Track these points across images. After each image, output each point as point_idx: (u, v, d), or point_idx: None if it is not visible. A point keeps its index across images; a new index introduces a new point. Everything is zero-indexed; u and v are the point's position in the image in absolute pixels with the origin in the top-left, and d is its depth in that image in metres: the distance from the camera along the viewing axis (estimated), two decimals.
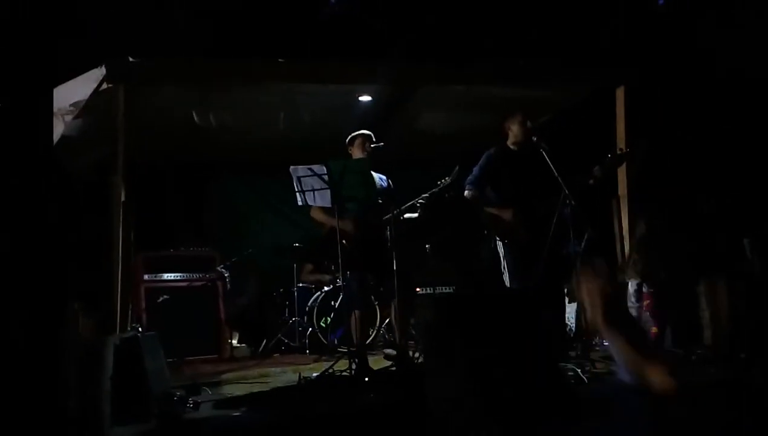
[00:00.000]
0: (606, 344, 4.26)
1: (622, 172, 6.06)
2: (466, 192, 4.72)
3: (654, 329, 4.49)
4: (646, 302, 4.54)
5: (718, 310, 4.79)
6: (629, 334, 1.50)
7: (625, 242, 6.11)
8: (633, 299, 4.82)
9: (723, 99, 6.03)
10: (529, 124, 4.75)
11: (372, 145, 4.74)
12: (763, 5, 5.64)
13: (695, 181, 5.74)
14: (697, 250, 4.79)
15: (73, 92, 5.03)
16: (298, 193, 4.42)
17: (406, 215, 4.69)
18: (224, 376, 4.90)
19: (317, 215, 4.74)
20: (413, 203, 4.71)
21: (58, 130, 5.11)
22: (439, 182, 4.67)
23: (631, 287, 4.66)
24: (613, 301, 1.56)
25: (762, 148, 5.73)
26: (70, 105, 5.13)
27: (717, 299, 4.88)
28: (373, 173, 4.70)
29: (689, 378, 3.86)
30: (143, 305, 5.87)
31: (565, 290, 5.56)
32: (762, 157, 5.68)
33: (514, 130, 4.75)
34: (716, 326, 4.76)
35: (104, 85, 4.96)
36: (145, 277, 6.02)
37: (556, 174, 4.37)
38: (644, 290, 4.70)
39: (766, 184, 5.55)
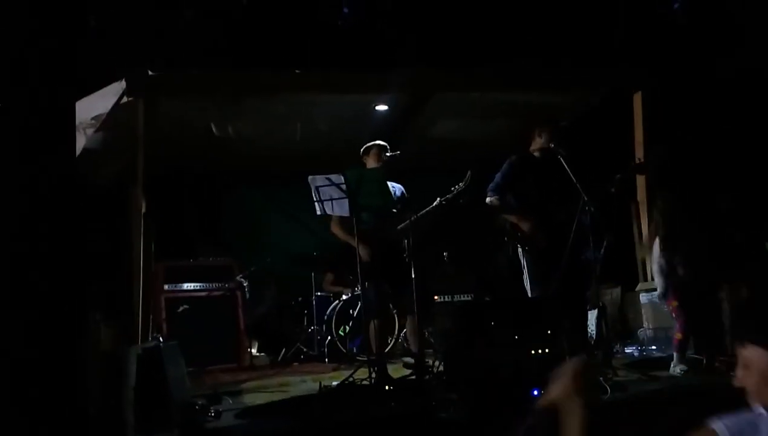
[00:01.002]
0: None
1: (640, 178, 6.03)
2: (487, 199, 4.71)
3: (678, 335, 4.43)
4: (672, 305, 4.48)
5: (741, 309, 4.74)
6: None
7: (644, 248, 6.07)
8: (659, 300, 4.76)
9: (738, 100, 5.98)
10: (548, 134, 4.73)
11: (387, 155, 4.75)
12: None
13: (714, 183, 5.69)
14: (719, 253, 4.73)
15: (94, 106, 5.11)
16: (316, 203, 4.44)
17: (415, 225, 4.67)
18: (244, 385, 4.92)
19: (337, 231, 4.77)
20: (429, 209, 4.70)
21: (80, 143, 5.18)
22: (453, 188, 4.67)
23: (659, 287, 4.59)
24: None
25: None
26: (92, 118, 5.21)
27: (738, 302, 4.83)
28: (388, 182, 4.71)
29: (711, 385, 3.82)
30: (163, 314, 5.91)
31: (586, 297, 5.52)
32: None
33: (543, 138, 4.72)
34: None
35: (124, 99, 5.03)
36: (165, 287, 6.07)
37: (574, 180, 4.36)
38: (670, 292, 4.62)
39: None
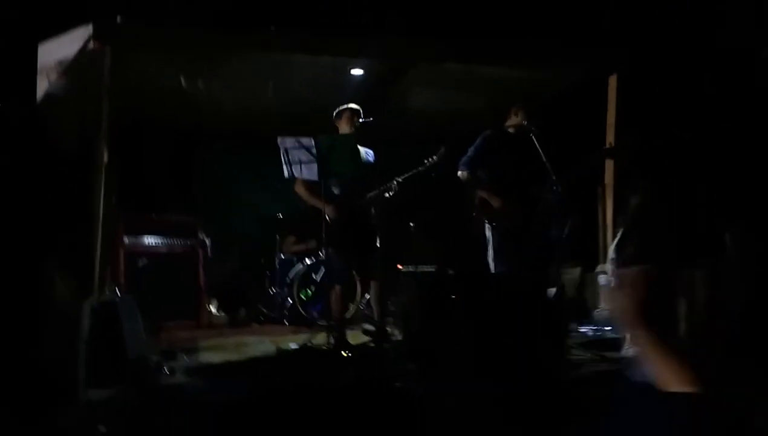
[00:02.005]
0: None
1: (609, 161, 6.09)
2: (459, 172, 4.71)
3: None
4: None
5: (695, 302, 4.84)
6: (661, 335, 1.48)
7: (608, 231, 6.15)
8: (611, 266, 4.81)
9: (716, 85, 6.02)
10: (524, 113, 4.74)
11: (360, 120, 4.70)
12: None
13: (683, 170, 5.76)
14: (680, 241, 4.80)
15: (58, 50, 4.92)
16: (285, 165, 4.39)
17: (384, 196, 4.65)
18: (201, 343, 4.89)
19: (301, 191, 4.70)
20: (392, 183, 4.67)
21: (43, 87, 5.01)
22: (425, 161, 4.65)
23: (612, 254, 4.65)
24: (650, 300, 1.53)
25: (753, 139, 5.74)
26: (55, 62, 5.02)
27: (695, 291, 4.93)
28: (360, 148, 4.66)
29: None
30: (122, 267, 5.82)
31: (547, 275, 5.59)
32: (753, 148, 5.70)
33: (519, 116, 4.72)
34: (691, 318, 4.80)
35: (91, 45, 4.85)
36: (126, 240, 5.96)
37: (545, 160, 4.37)
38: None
39: (755, 177, 5.58)
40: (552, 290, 5.77)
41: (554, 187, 4.38)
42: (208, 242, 6.36)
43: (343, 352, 4.10)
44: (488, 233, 4.78)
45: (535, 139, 4.47)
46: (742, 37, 5.72)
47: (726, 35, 5.75)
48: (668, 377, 1.40)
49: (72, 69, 5.15)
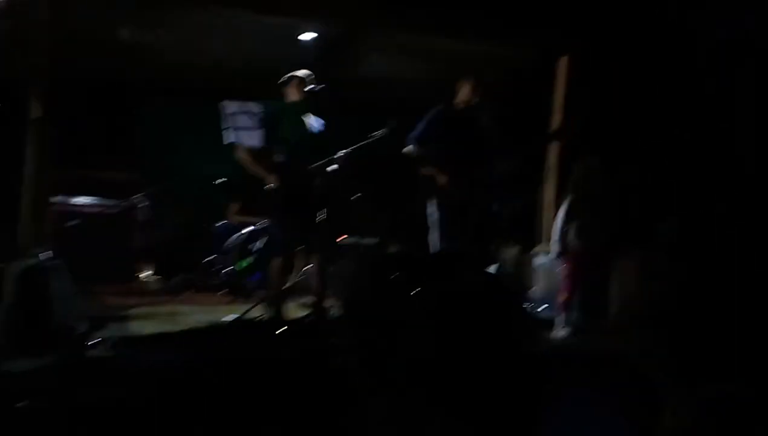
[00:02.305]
0: None
1: (553, 143, 6.15)
2: (407, 147, 4.67)
3: (564, 295, 4.60)
4: (563, 266, 4.63)
5: (626, 285, 4.97)
6: None
7: (548, 211, 6.25)
8: (555, 247, 4.87)
9: (664, 69, 6.11)
10: (476, 89, 4.72)
11: (309, 88, 4.58)
12: None
13: (624, 154, 5.86)
14: (615, 224, 4.91)
15: None
16: (227, 130, 4.25)
17: (329, 168, 4.56)
18: (133, 311, 4.74)
19: (244, 157, 4.56)
20: (338, 155, 4.59)
21: None
22: (372, 134, 4.58)
23: (554, 248, 4.71)
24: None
25: (702, 127, 5.86)
26: None
27: (626, 274, 5.06)
28: (308, 117, 4.55)
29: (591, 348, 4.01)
30: (52, 227, 5.57)
31: (487, 253, 5.64)
32: (700, 137, 5.83)
33: (469, 92, 4.71)
34: (621, 301, 4.94)
35: None
36: (57, 199, 5.71)
37: (494, 138, 4.38)
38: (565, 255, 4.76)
39: (693, 165, 5.72)
40: (493, 267, 5.87)
41: (501, 166, 4.41)
42: (146, 203, 6.16)
43: (279, 326, 4.04)
44: (432, 209, 4.78)
45: (486, 118, 4.46)
46: (691, 21, 5.82)
47: (675, 18, 5.84)
48: None
49: (4, 14, 4.85)
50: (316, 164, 4.52)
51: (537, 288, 5.95)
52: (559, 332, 4.50)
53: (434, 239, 4.73)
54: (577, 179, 4.74)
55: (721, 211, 5.43)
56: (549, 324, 4.76)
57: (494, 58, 6.35)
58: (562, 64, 6.15)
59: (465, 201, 4.60)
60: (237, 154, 4.60)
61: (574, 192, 4.67)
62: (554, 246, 4.70)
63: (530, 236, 6.42)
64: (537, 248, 6.29)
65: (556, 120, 5.82)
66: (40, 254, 4.37)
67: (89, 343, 3.49)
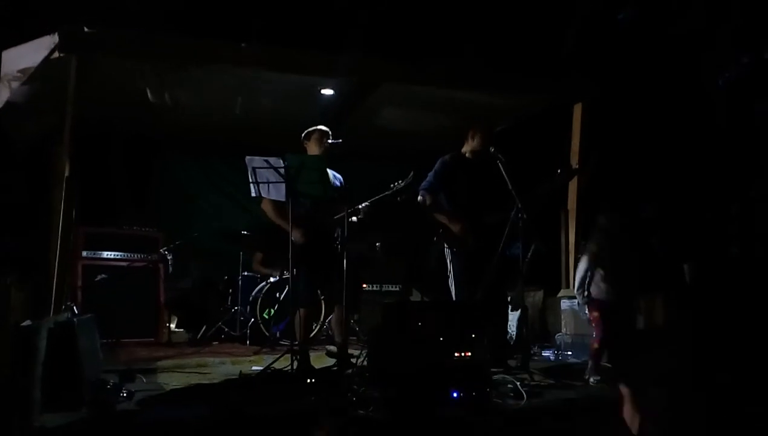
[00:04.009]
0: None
1: (572, 186, 6.20)
2: (419, 197, 4.74)
3: (595, 345, 4.56)
4: (593, 315, 4.60)
5: (653, 327, 4.91)
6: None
7: (570, 254, 6.25)
8: (579, 299, 4.84)
9: (677, 114, 6.17)
10: (485, 137, 4.79)
11: (329, 142, 4.68)
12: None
13: (643, 195, 5.89)
14: (641, 267, 4.89)
15: (22, 58, 4.81)
16: (252, 185, 4.34)
17: (351, 219, 4.63)
18: (161, 363, 4.78)
19: (268, 210, 4.66)
20: (360, 207, 4.66)
21: (3, 95, 4.88)
22: (392, 185, 4.65)
23: (577, 283, 4.68)
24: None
25: (709, 162, 5.89)
26: (18, 71, 4.90)
27: (654, 317, 5.02)
28: (329, 171, 4.64)
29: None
30: (80, 282, 5.68)
31: (508, 299, 5.63)
32: (711, 174, 5.85)
33: (476, 140, 4.79)
34: (651, 345, 4.87)
35: (56, 54, 4.75)
36: (84, 253, 5.83)
37: (510, 186, 4.42)
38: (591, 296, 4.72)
39: (711, 204, 5.73)
40: (516, 314, 5.85)
41: (519, 214, 4.43)
42: (169, 256, 6.26)
43: (306, 377, 4.05)
44: (448, 258, 4.81)
45: (501, 165, 4.51)
46: (698, 66, 5.91)
47: (684, 63, 5.93)
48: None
49: (35, 78, 5.04)
50: (338, 216, 4.59)
51: (564, 331, 5.91)
52: (590, 380, 4.45)
53: (453, 288, 4.75)
54: (597, 233, 4.72)
55: (741, 250, 5.40)
56: (578, 368, 4.72)
57: (508, 106, 6.45)
58: (577, 111, 6.23)
59: (478, 248, 4.62)
60: (262, 207, 4.69)
61: (595, 245, 4.65)
62: (578, 297, 4.69)
63: (555, 280, 6.42)
64: (562, 293, 6.27)
65: (571, 165, 5.87)
66: (69, 309, 4.46)
67: (119, 396, 3.52)
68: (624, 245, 4.57)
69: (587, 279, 4.51)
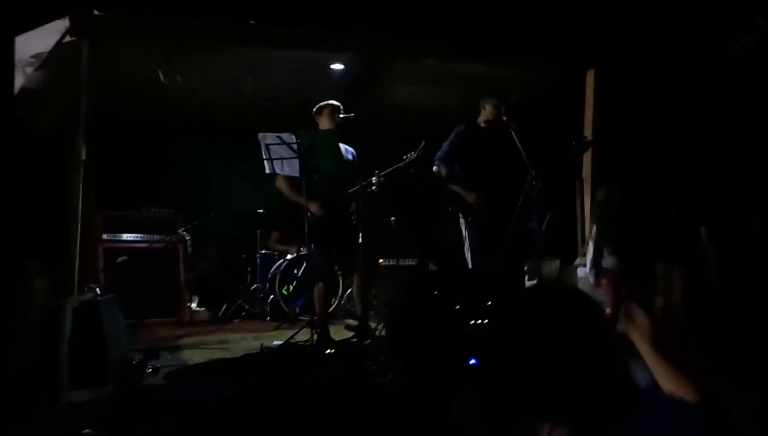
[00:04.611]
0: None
1: (586, 155, 6.15)
2: (434, 167, 4.74)
3: (609, 311, 4.56)
4: (603, 281, 4.61)
5: (672, 296, 4.91)
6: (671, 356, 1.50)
7: (586, 224, 6.23)
8: (591, 278, 4.86)
9: (693, 85, 6.10)
10: (499, 106, 4.78)
11: (341, 116, 4.70)
12: None
13: (657, 165, 5.84)
14: (655, 235, 4.88)
15: (34, 43, 4.83)
16: (266, 161, 4.38)
17: (365, 192, 4.65)
18: (183, 341, 4.87)
19: (282, 186, 4.69)
20: (374, 180, 4.68)
21: (19, 81, 4.92)
22: (404, 157, 4.67)
23: (589, 264, 4.69)
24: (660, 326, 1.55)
25: (728, 137, 5.84)
26: (31, 56, 4.94)
27: (671, 285, 5.01)
28: (341, 145, 4.67)
29: None
30: (101, 265, 5.78)
31: (525, 269, 5.65)
32: (726, 146, 5.80)
33: (487, 110, 4.80)
34: (668, 312, 4.87)
35: (67, 38, 4.78)
36: (104, 236, 5.92)
37: (523, 154, 4.41)
38: (602, 267, 4.73)
39: (727, 172, 5.68)
40: (533, 283, 5.86)
41: (533, 182, 4.42)
42: (188, 237, 6.33)
43: (326, 349, 4.11)
44: (464, 229, 4.82)
45: (513, 134, 4.50)
46: (711, 36, 5.82)
47: (694, 34, 5.85)
48: (665, 379, 1.43)
49: (48, 63, 5.07)
50: (352, 189, 4.62)
51: None
52: None
53: (469, 258, 4.77)
54: (599, 206, 4.71)
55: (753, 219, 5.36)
56: None
57: (519, 78, 6.40)
58: (590, 79, 6.16)
59: (493, 218, 4.63)
60: (276, 184, 4.72)
61: (595, 219, 4.66)
62: (591, 277, 4.69)
63: (571, 249, 6.40)
64: (578, 261, 6.26)
65: (585, 137, 5.83)
66: (92, 291, 4.54)
67: (144, 372, 3.60)
68: (623, 218, 4.56)
69: (599, 254, 4.52)
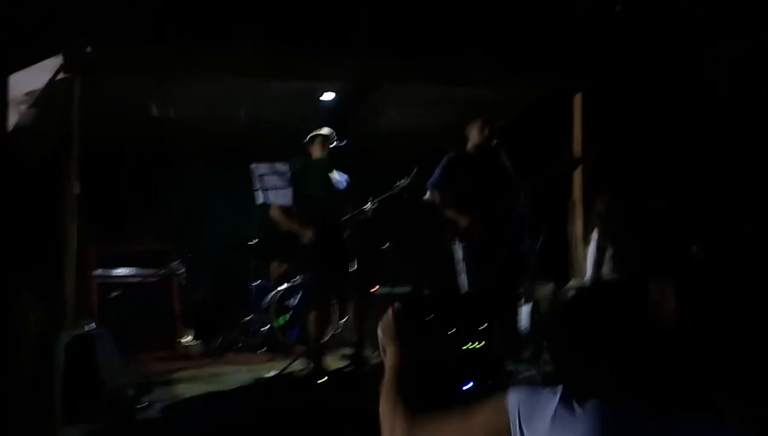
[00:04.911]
0: None
1: (577, 177, 6.20)
2: (427, 194, 4.78)
3: None
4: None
5: (664, 313, 4.92)
6: None
7: (579, 246, 6.25)
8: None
9: (680, 104, 6.18)
10: (487, 130, 4.84)
11: (333, 144, 4.74)
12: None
13: (649, 183, 5.89)
14: (647, 252, 4.91)
15: (28, 81, 4.88)
16: (258, 192, 4.40)
17: (358, 220, 4.67)
18: (177, 374, 4.83)
19: (276, 215, 4.71)
20: (366, 206, 4.70)
21: (13, 119, 4.96)
22: (397, 183, 4.70)
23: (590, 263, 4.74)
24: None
25: (716, 152, 5.90)
26: (25, 94, 4.98)
27: (664, 302, 5.02)
28: (334, 173, 4.70)
29: None
30: (95, 299, 5.75)
31: (520, 292, 5.65)
32: (716, 162, 5.86)
33: (473, 135, 4.86)
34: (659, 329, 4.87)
35: (61, 75, 4.84)
36: (98, 272, 5.90)
37: (514, 176, 4.45)
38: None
39: (717, 189, 5.73)
40: (527, 306, 5.87)
41: (524, 203, 4.46)
42: (182, 269, 6.31)
43: (320, 378, 4.09)
44: (459, 252, 4.84)
45: (504, 156, 4.55)
46: (701, 55, 5.92)
47: (686, 52, 5.94)
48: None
49: (42, 99, 5.12)
50: (345, 217, 4.65)
51: None
52: None
53: (463, 282, 4.78)
54: (599, 214, 4.77)
55: (748, 232, 5.40)
56: None
57: (509, 99, 6.48)
58: (577, 101, 6.24)
59: (487, 241, 4.65)
60: (270, 214, 4.75)
61: (599, 227, 4.70)
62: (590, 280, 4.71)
63: (564, 271, 6.41)
64: (572, 283, 6.27)
65: (573, 154, 5.89)
66: (85, 325, 4.52)
67: (138, 407, 3.58)
68: (622, 228, 4.61)
69: (598, 263, 4.55)
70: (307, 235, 4.48)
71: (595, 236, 4.80)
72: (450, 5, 6.22)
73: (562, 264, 6.40)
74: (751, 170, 5.50)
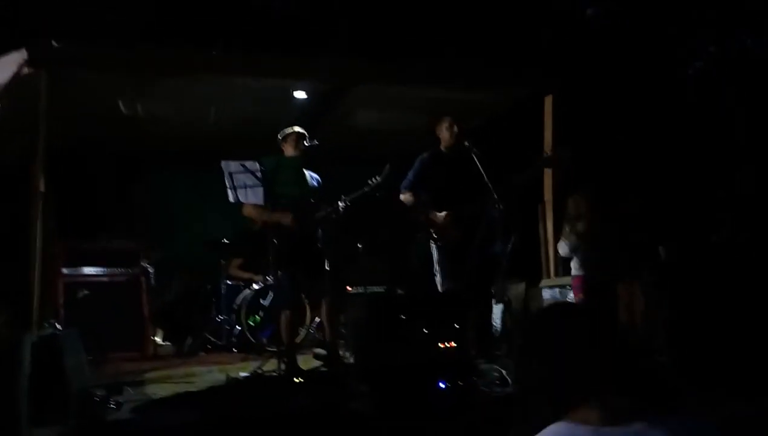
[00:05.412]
0: None
1: (548, 178, 6.27)
2: (401, 196, 4.83)
3: None
4: (577, 297, 4.70)
5: (632, 313, 5.00)
6: None
7: (549, 247, 6.32)
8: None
9: (648, 105, 6.28)
10: (456, 129, 4.86)
11: (306, 143, 4.71)
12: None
13: (617, 185, 5.98)
14: (617, 252, 4.98)
15: None
16: (229, 190, 4.34)
17: (331, 218, 4.65)
18: (147, 375, 4.76)
19: (250, 212, 4.67)
20: (338, 204, 4.67)
21: None
22: (369, 182, 4.68)
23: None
24: None
25: (683, 153, 6.01)
26: None
27: (632, 302, 5.10)
28: (305, 172, 4.67)
29: None
30: (61, 299, 5.63)
31: (492, 291, 5.68)
32: (683, 163, 5.98)
33: (443, 135, 4.89)
34: (629, 328, 4.96)
35: (25, 70, 4.73)
36: (65, 271, 5.78)
37: (485, 178, 4.47)
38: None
39: (685, 189, 5.84)
40: (499, 306, 5.90)
41: (496, 205, 4.48)
42: (151, 269, 6.22)
43: (294, 378, 4.06)
44: (433, 252, 4.86)
45: (475, 158, 4.57)
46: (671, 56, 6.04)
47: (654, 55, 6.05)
48: None
49: (6, 95, 5.00)
50: (318, 215, 4.62)
51: None
52: None
53: (437, 282, 4.80)
54: (569, 213, 4.85)
55: (720, 233, 5.51)
56: None
57: (481, 102, 6.52)
58: (548, 104, 6.30)
59: (460, 241, 4.68)
60: (242, 212, 4.70)
61: (568, 226, 4.79)
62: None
63: (536, 271, 6.47)
64: (543, 282, 6.33)
65: (545, 153, 5.96)
66: (52, 325, 4.43)
67: (107, 408, 3.51)
68: (593, 227, 4.69)
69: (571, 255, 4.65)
70: (286, 219, 4.43)
71: (565, 236, 4.86)
72: (420, 8, 6.26)
73: (534, 264, 6.47)
74: (719, 170, 5.62)
